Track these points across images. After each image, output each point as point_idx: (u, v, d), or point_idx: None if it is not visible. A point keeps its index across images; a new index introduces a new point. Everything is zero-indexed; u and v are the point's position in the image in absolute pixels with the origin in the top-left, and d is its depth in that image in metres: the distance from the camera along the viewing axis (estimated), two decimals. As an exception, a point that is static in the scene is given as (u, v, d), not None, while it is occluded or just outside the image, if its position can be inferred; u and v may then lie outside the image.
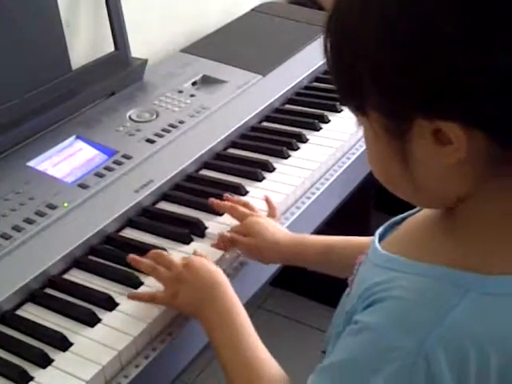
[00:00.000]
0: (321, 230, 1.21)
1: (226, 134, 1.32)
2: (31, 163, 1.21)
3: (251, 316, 0.87)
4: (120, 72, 1.44)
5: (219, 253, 1.04)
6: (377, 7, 0.55)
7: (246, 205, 1.10)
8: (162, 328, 0.95)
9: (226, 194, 1.14)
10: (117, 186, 1.17)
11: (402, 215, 0.73)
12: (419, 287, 0.59)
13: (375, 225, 0.73)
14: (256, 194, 1.18)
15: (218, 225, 1.10)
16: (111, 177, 1.18)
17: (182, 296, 0.91)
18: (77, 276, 1.03)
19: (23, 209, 1.10)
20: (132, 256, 0.99)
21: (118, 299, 0.97)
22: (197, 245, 1.07)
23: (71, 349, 0.90)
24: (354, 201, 1.36)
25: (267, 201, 1.12)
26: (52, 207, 1.10)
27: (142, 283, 0.99)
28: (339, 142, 1.32)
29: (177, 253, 1.04)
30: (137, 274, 1.00)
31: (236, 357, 0.83)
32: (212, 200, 1.11)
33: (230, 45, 1.66)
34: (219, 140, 1.31)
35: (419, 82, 0.54)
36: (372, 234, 0.71)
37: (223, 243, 1.04)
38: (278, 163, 1.27)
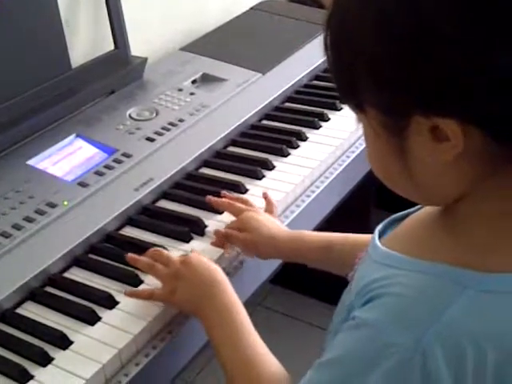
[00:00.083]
0: (321, 229, 1.21)
1: (226, 132, 1.32)
2: (31, 162, 1.21)
3: (250, 314, 0.87)
4: (120, 70, 1.44)
5: (219, 251, 1.04)
6: (375, 2, 0.55)
7: (244, 202, 1.10)
8: (162, 326, 0.95)
9: (224, 191, 1.14)
10: (117, 185, 1.17)
11: (402, 212, 0.73)
12: (420, 284, 0.59)
13: (375, 223, 0.73)
14: (256, 192, 1.18)
15: (218, 223, 1.10)
16: (111, 175, 1.19)
17: (180, 293, 0.91)
18: (77, 274, 1.03)
19: (23, 207, 1.10)
20: (130, 255, 0.99)
21: (118, 297, 0.97)
22: (197, 243, 1.07)
23: (71, 347, 0.90)
24: (354, 199, 1.36)
25: (265, 196, 1.12)
26: (52, 206, 1.10)
27: (141, 281, 1.00)
28: (339, 140, 1.32)
29: (177, 251, 1.04)
30: (137, 272, 1.00)
31: (236, 355, 0.83)
32: (209, 197, 1.12)
33: (230, 43, 1.66)
34: (219, 138, 1.31)
35: (417, 77, 0.54)
36: (372, 233, 0.71)
37: (219, 239, 1.05)
38: (277, 161, 1.27)
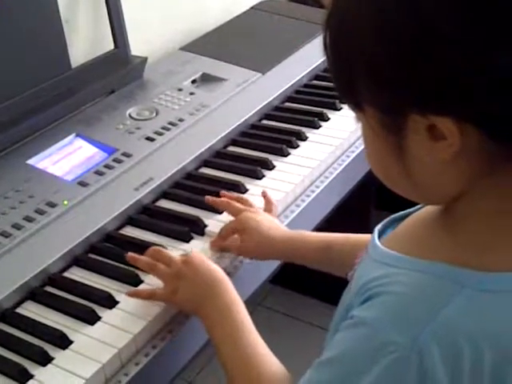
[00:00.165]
0: (321, 229, 1.21)
1: (226, 132, 1.32)
2: (31, 161, 1.21)
3: (251, 313, 0.87)
4: (120, 70, 1.44)
5: (219, 251, 1.05)
6: (375, 2, 0.55)
7: (244, 201, 1.10)
8: (162, 326, 0.95)
9: (223, 191, 1.14)
10: (117, 184, 1.17)
11: (401, 212, 0.73)
12: (419, 283, 0.59)
13: (375, 223, 0.73)
14: (256, 191, 1.18)
15: (218, 223, 1.10)
16: (111, 175, 1.19)
17: (181, 292, 0.91)
18: (77, 274, 1.03)
19: (23, 207, 1.10)
20: (130, 254, 0.99)
21: (117, 297, 0.97)
22: (197, 243, 1.07)
23: (71, 347, 0.90)
24: (353, 199, 1.36)
25: (264, 195, 1.12)
26: (52, 205, 1.10)
27: (141, 281, 1.00)
28: (339, 140, 1.32)
29: (177, 251, 1.04)
30: (137, 271, 1.00)
31: (236, 353, 0.83)
32: (208, 197, 1.11)
33: (230, 43, 1.66)
34: (219, 138, 1.31)
35: (416, 77, 0.54)
36: (372, 233, 0.71)
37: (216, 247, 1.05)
38: (277, 161, 1.27)
